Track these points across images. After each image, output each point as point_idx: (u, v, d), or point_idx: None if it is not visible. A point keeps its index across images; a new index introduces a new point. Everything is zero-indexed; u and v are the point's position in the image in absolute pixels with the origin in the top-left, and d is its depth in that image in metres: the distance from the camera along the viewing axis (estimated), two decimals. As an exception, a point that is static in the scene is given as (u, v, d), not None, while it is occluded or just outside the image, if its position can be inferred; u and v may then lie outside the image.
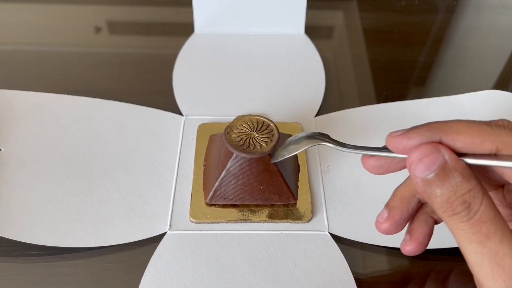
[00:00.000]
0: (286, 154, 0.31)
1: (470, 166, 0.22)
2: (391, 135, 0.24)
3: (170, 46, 0.49)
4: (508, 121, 0.22)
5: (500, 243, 0.20)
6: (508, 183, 0.23)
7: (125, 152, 0.37)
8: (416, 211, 0.26)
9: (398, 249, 0.32)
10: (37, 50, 0.49)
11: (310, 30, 0.50)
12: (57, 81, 0.45)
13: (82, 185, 0.35)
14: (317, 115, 0.41)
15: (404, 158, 0.24)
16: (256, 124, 0.34)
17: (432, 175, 0.21)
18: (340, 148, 0.28)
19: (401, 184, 0.27)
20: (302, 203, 0.34)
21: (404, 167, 0.26)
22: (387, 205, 0.26)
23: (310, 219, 0.33)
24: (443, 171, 0.21)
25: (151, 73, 0.46)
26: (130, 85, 0.44)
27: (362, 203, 0.34)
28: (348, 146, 0.27)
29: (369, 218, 0.34)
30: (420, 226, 0.26)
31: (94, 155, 0.37)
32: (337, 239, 0.33)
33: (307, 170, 0.36)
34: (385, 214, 0.26)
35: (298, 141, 0.30)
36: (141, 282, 0.30)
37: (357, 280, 0.30)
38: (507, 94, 0.39)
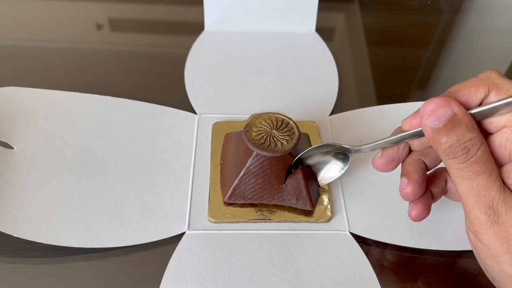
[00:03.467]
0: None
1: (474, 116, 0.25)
2: (404, 120, 0.28)
3: (180, 45, 0.49)
4: (494, 70, 0.26)
5: (487, 179, 0.24)
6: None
7: (139, 150, 0.37)
8: (426, 171, 0.30)
9: (419, 249, 0.32)
10: (45, 46, 0.48)
11: (320, 30, 0.49)
12: (64, 78, 0.44)
13: (97, 184, 0.34)
14: (331, 113, 0.41)
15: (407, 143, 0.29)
16: (275, 122, 0.33)
17: (441, 125, 0.25)
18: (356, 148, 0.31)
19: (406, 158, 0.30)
20: (321, 202, 0.34)
21: (409, 152, 0.30)
22: (402, 174, 0.29)
23: (330, 219, 0.33)
24: (450, 123, 0.24)
25: (162, 71, 0.45)
26: (141, 84, 0.44)
27: (381, 201, 0.34)
28: (363, 146, 0.31)
29: (389, 217, 0.33)
30: (414, 169, 0.29)
31: (108, 154, 0.36)
32: (358, 238, 0.32)
33: (325, 169, 0.36)
34: (405, 180, 0.29)
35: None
36: (161, 283, 0.29)
37: (380, 280, 0.30)
38: None
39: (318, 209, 0.33)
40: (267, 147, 0.32)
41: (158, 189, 0.34)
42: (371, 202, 0.34)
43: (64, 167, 0.35)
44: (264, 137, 0.32)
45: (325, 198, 0.34)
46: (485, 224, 0.24)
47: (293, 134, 0.32)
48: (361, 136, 0.39)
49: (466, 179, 0.24)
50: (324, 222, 0.33)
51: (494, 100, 0.25)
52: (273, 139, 0.32)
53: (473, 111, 0.25)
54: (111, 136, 0.38)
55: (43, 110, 0.39)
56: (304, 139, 0.37)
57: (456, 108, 0.25)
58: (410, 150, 0.30)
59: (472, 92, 0.26)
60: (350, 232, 0.32)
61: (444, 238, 0.32)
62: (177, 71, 0.44)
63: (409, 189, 0.29)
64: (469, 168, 0.24)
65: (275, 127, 0.33)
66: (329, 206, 0.33)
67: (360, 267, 0.31)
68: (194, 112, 0.40)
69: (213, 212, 0.33)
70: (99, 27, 0.51)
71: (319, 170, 0.34)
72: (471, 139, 0.24)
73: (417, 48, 0.50)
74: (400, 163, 0.30)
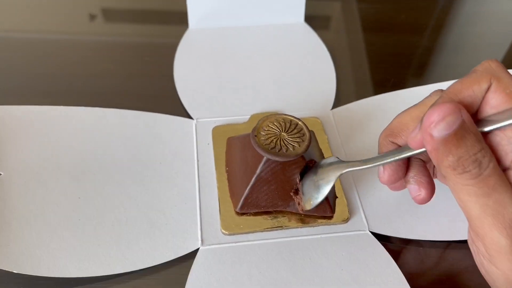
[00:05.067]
0: (320, 197, 0.30)
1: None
2: (411, 137, 0.25)
3: (168, 36, 0.46)
4: (492, 60, 0.24)
5: (504, 193, 0.21)
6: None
7: (137, 164, 0.34)
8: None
9: (442, 241, 0.31)
10: (30, 37, 0.45)
11: (310, 21, 0.48)
12: (55, 69, 0.42)
13: (96, 205, 0.32)
14: (333, 107, 0.39)
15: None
16: (283, 123, 0.31)
17: (451, 133, 0.21)
18: (363, 166, 0.28)
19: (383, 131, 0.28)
20: (337, 203, 0.32)
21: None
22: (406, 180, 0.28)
23: (348, 219, 0.32)
24: (461, 131, 0.21)
25: (151, 61, 0.43)
26: (132, 92, 0.41)
27: (396, 196, 0.33)
28: (369, 161, 0.28)
29: (406, 212, 0.32)
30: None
31: (104, 171, 0.34)
32: (379, 236, 0.31)
33: (336, 166, 0.34)
34: (381, 167, 0.28)
35: (327, 174, 0.30)
36: (181, 306, 0.28)
37: (408, 279, 0.29)
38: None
39: (335, 210, 0.32)
40: (278, 151, 0.30)
41: (163, 204, 0.32)
42: (387, 198, 0.33)
43: (58, 190, 0.32)
44: (274, 141, 0.30)
45: (340, 198, 0.33)
46: (505, 248, 0.21)
47: (303, 135, 0.31)
48: (368, 129, 0.37)
49: (481, 196, 0.21)
50: (343, 223, 0.32)
51: (496, 98, 0.23)
52: (283, 142, 0.30)
53: (484, 129, 0.23)
54: (104, 151, 0.35)
55: (26, 129, 0.36)
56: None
57: (465, 115, 0.22)
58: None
59: (476, 91, 0.23)
60: (370, 231, 0.31)
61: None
62: (166, 69, 0.42)
63: (385, 176, 0.27)
64: (483, 183, 0.21)
65: (284, 129, 0.31)
66: (345, 206, 0.32)
67: (386, 266, 0.30)
68: (190, 117, 0.38)
69: (226, 224, 0.31)
70: (92, 17, 0.48)
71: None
72: (481, 150, 0.22)
73: (414, 34, 0.49)
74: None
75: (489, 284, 0.24)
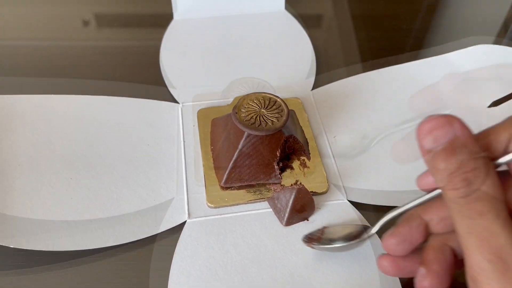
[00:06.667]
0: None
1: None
2: (419, 178, 0.25)
3: (154, 37, 0.48)
4: None
5: (493, 222, 0.20)
6: None
7: (126, 146, 0.36)
8: (456, 261, 0.25)
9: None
10: (23, 44, 0.47)
11: (294, 5, 0.49)
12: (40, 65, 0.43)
13: (88, 185, 0.33)
14: (313, 88, 0.41)
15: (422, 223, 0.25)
16: (263, 101, 0.33)
17: (439, 148, 0.21)
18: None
19: (430, 239, 0.26)
20: (317, 175, 0.34)
21: (425, 235, 0.26)
22: (421, 263, 0.25)
23: (327, 190, 0.33)
24: (451, 146, 0.20)
25: (139, 64, 0.44)
26: (119, 78, 0.43)
27: (374, 168, 0.35)
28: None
29: (383, 181, 0.34)
30: (435, 257, 0.25)
31: (95, 153, 0.35)
32: (356, 205, 0.33)
33: (315, 142, 0.36)
34: (423, 270, 0.24)
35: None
36: (170, 273, 0.29)
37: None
38: (493, 46, 0.41)
39: (315, 182, 0.34)
40: (258, 126, 0.32)
41: (152, 182, 0.34)
42: (365, 169, 0.35)
43: (51, 172, 0.34)
44: (254, 117, 0.32)
45: (320, 170, 0.34)
46: (489, 273, 0.20)
47: (282, 111, 0.33)
48: (345, 106, 0.39)
49: (466, 218, 0.20)
50: (322, 194, 0.33)
51: None
52: (263, 118, 0.32)
53: (498, 162, 0.22)
54: (94, 135, 0.37)
55: (19, 116, 0.37)
56: (291, 115, 0.37)
57: (459, 130, 0.20)
58: (428, 232, 0.26)
59: (495, 141, 0.22)
60: (348, 200, 0.33)
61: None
62: (154, 63, 0.44)
63: (426, 282, 0.24)
64: (470, 205, 0.20)
65: (263, 106, 0.33)
66: (325, 178, 0.34)
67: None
68: (176, 102, 0.40)
69: (211, 198, 0.33)
70: (86, 23, 0.49)
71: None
72: (474, 169, 0.20)
73: (404, 15, 0.50)
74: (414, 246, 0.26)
75: None
